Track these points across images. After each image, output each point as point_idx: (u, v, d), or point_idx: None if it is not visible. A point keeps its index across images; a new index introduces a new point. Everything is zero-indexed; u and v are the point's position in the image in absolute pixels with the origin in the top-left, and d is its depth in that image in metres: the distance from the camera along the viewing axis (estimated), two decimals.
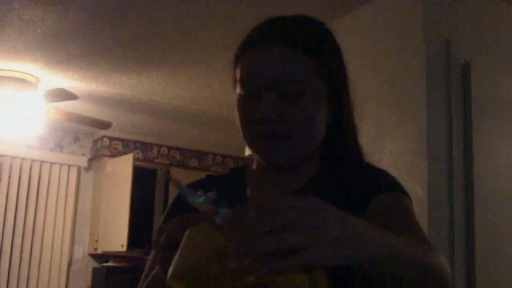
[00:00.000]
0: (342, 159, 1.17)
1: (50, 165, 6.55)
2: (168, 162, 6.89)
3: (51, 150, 6.59)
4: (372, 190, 1.09)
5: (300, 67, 1.07)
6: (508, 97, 3.09)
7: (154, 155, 6.84)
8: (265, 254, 0.70)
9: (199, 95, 5.16)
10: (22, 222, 6.32)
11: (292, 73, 1.06)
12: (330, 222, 0.72)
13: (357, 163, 1.18)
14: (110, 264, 6.32)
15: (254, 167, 1.23)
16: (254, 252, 0.70)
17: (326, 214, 0.73)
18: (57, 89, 4.47)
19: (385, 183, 1.13)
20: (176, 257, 0.79)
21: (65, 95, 4.49)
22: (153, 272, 1.04)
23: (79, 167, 6.74)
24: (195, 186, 0.95)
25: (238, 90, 1.11)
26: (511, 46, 3.19)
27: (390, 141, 2.89)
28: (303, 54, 1.07)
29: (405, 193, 1.12)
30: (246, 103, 1.09)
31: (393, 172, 1.18)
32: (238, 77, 1.11)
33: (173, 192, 6.13)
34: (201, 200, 0.85)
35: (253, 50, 1.09)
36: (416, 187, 2.72)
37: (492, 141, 2.95)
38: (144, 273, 1.15)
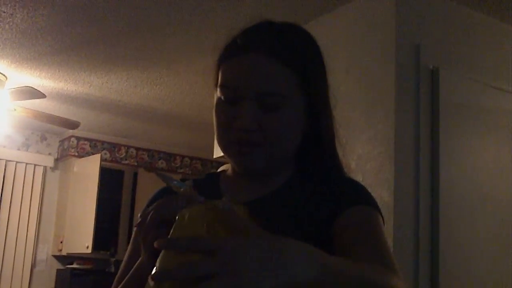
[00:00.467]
0: (317, 169, 1.18)
1: (16, 164, 6.46)
2: (136, 163, 6.84)
3: (18, 149, 6.50)
4: (343, 203, 1.10)
5: (283, 80, 1.08)
6: (475, 103, 3.13)
7: (122, 156, 6.79)
8: None
9: (168, 96, 5.14)
10: None
11: (275, 86, 1.07)
12: (249, 264, 0.73)
13: (332, 173, 1.18)
14: (74, 266, 6.25)
15: (228, 172, 1.24)
16: None
17: (245, 255, 0.74)
18: (24, 87, 4.41)
19: (357, 196, 1.13)
20: (171, 234, 0.84)
21: (32, 93, 4.44)
22: (138, 262, 1.04)
23: (45, 167, 6.65)
24: (167, 190, 0.98)
25: (218, 93, 1.11)
26: (479, 53, 3.24)
27: (359, 145, 2.90)
28: (287, 68, 1.08)
29: (377, 208, 1.12)
30: (225, 108, 1.10)
31: (360, 176, 1.18)
32: (219, 81, 1.11)
33: (140, 194, 6.02)
34: (180, 185, 0.95)
35: (237, 57, 1.09)
36: (382, 192, 2.73)
37: (459, 146, 2.99)
38: (121, 268, 1.15)
